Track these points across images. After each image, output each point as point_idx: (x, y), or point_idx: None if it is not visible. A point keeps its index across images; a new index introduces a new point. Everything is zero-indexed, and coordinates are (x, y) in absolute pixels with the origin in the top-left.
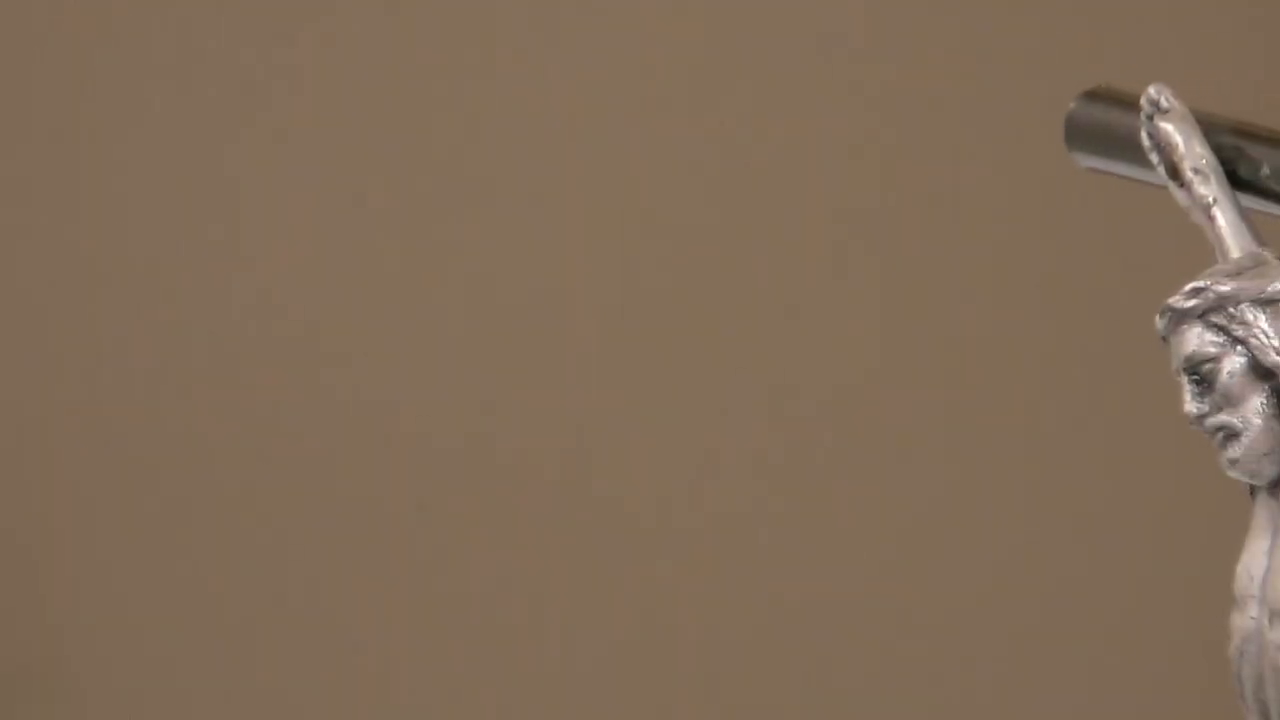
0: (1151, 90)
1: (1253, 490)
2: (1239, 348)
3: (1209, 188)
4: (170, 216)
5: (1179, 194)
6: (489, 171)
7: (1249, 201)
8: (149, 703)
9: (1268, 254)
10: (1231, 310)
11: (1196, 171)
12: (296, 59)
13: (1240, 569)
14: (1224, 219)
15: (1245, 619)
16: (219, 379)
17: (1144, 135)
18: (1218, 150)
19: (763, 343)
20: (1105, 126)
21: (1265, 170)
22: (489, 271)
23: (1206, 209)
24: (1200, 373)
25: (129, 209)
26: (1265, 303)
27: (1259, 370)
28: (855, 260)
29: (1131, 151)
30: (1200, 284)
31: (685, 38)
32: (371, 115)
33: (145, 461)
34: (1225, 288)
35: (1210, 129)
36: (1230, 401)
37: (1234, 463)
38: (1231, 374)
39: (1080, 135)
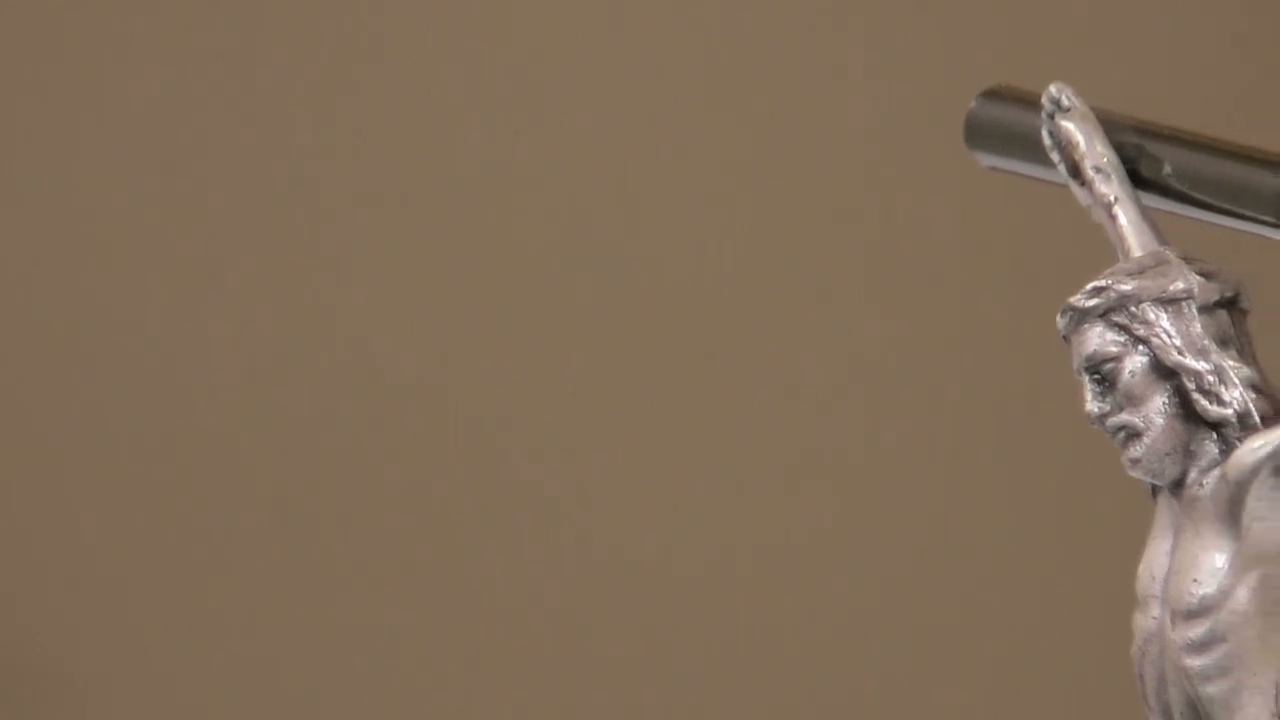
0: (1052, 89)
1: (1154, 490)
2: (1141, 347)
3: (1110, 186)
4: (163, 214)
5: (1080, 193)
6: (508, 176)
7: (1151, 200)
8: (149, 702)
9: (1169, 253)
10: (1133, 309)
11: (1098, 170)
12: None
13: (1142, 569)
14: (1125, 218)
15: (1147, 619)
16: (217, 377)
17: (1045, 134)
18: (1119, 149)
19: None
20: (1006, 125)
21: (1167, 169)
22: (494, 283)
23: (1108, 208)
24: (1102, 372)
25: (119, 209)
26: (1167, 302)
27: (1161, 370)
28: (760, 269)
29: (1032, 150)
30: (1102, 283)
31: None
32: (389, 114)
33: (143, 460)
34: (1127, 287)
35: (1111, 128)
36: (1132, 401)
37: (1136, 463)
38: (1133, 373)
39: (981, 134)
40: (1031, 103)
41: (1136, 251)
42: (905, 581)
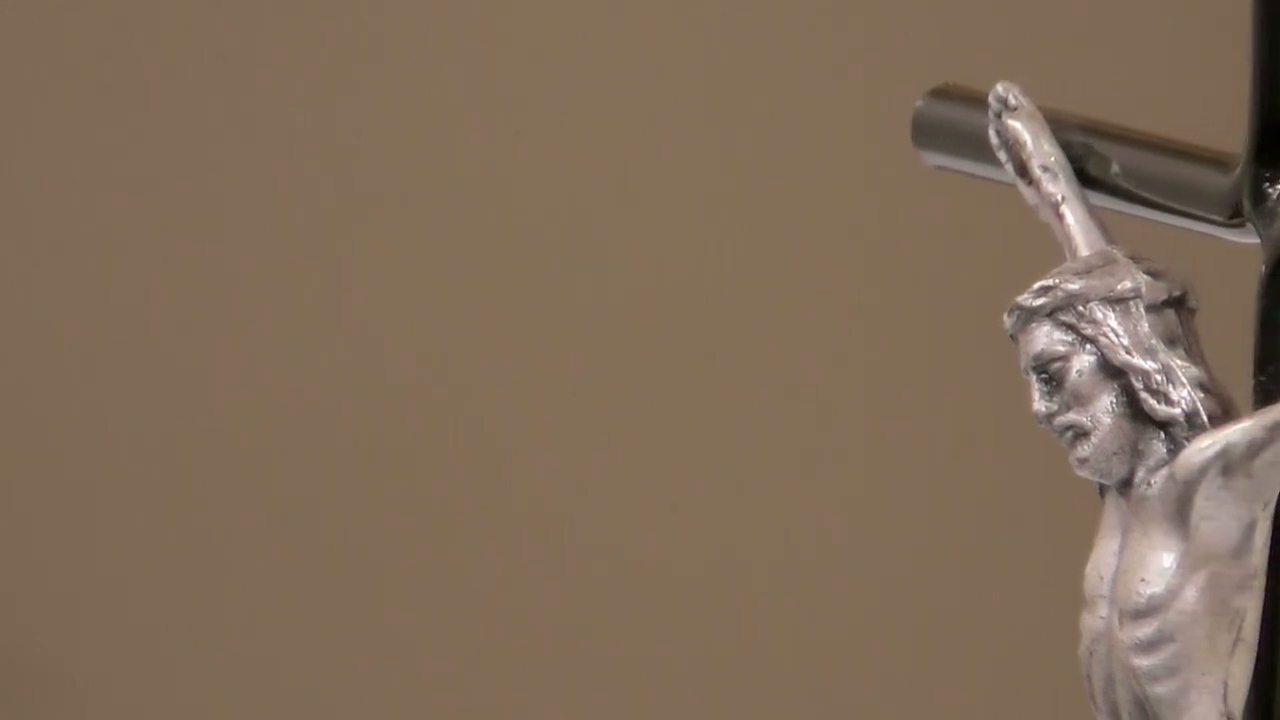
0: (999, 88)
1: (1102, 490)
2: (1088, 346)
3: (1057, 185)
4: (161, 216)
5: (1027, 192)
6: (506, 179)
7: (1098, 199)
8: (149, 702)
9: (1117, 252)
10: (1080, 309)
11: (1045, 169)
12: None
13: (1090, 569)
14: (1073, 217)
15: (1095, 619)
16: (217, 377)
17: (992, 133)
18: (1066, 148)
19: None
20: (952, 124)
21: (1114, 168)
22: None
23: (1055, 207)
24: (1049, 371)
25: (118, 209)
26: (1114, 301)
27: (1108, 369)
28: (706, 264)
29: (979, 149)
30: (1049, 282)
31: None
32: (389, 114)
33: (143, 460)
34: (1074, 286)
35: (1059, 127)
36: (1079, 400)
37: (1083, 462)
38: (1081, 372)
39: (928, 133)
40: (979, 102)
41: (1084, 251)
42: (906, 582)
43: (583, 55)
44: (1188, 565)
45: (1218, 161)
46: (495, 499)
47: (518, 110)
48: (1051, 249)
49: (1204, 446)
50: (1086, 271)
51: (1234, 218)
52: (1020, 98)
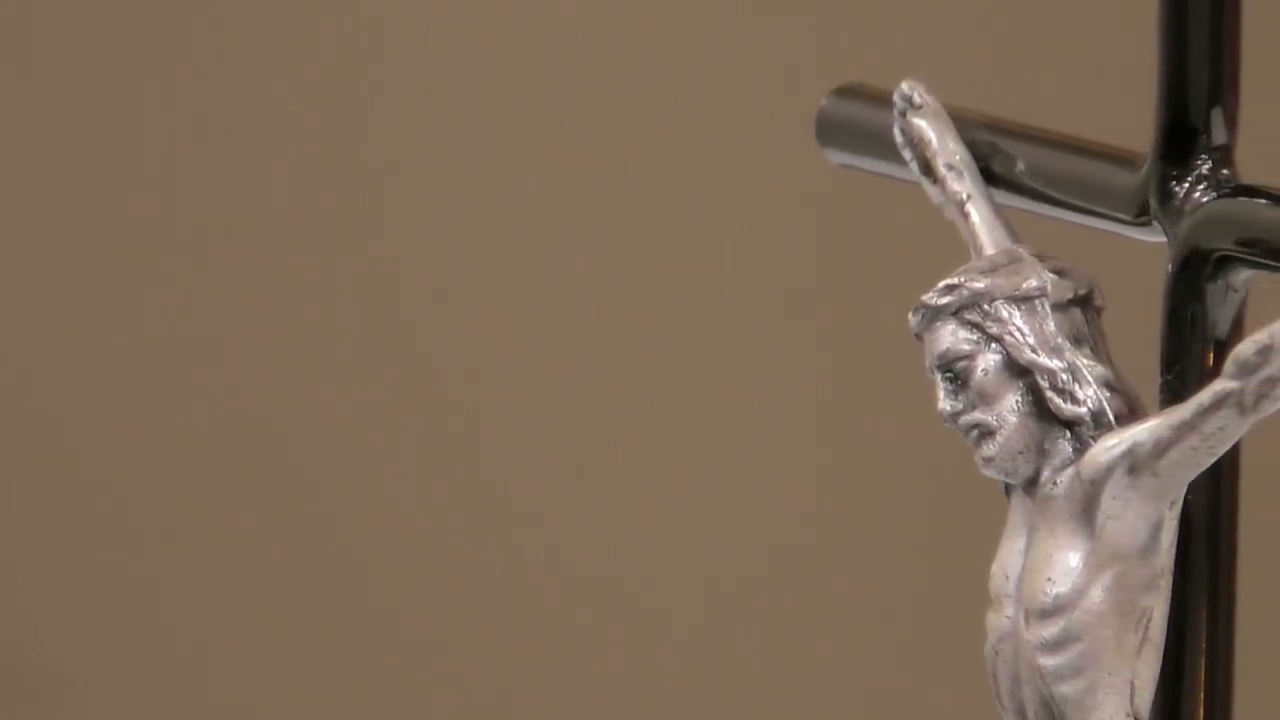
0: (904, 86)
1: (1008, 489)
2: (993, 345)
3: (962, 184)
4: (159, 217)
5: (932, 190)
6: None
7: (1004, 198)
8: (149, 702)
9: (1022, 250)
10: (986, 307)
11: (950, 168)
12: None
13: (996, 568)
14: (978, 215)
15: (1001, 618)
16: (215, 380)
17: (896, 131)
18: (971, 146)
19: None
20: (857, 123)
21: (1020, 166)
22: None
23: (960, 205)
24: (954, 370)
25: (116, 210)
26: (1020, 300)
27: (1014, 368)
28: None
29: (884, 148)
30: (954, 281)
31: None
32: (389, 114)
33: (144, 460)
34: (979, 285)
35: (964, 125)
36: (985, 399)
37: (989, 461)
38: (986, 371)
39: (832, 131)
40: (883, 100)
41: (989, 249)
42: (906, 583)
43: (582, 55)
44: (1094, 565)
45: (1124, 160)
46: (492, 503)
47: (518, 110)
48: (1057, 246)
49: (1110, 445)
50: (992, 270)
51: (1140, 216)
52: (925, 96)
